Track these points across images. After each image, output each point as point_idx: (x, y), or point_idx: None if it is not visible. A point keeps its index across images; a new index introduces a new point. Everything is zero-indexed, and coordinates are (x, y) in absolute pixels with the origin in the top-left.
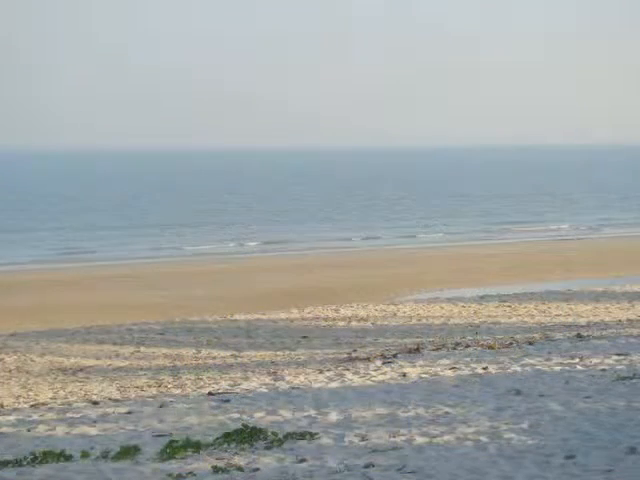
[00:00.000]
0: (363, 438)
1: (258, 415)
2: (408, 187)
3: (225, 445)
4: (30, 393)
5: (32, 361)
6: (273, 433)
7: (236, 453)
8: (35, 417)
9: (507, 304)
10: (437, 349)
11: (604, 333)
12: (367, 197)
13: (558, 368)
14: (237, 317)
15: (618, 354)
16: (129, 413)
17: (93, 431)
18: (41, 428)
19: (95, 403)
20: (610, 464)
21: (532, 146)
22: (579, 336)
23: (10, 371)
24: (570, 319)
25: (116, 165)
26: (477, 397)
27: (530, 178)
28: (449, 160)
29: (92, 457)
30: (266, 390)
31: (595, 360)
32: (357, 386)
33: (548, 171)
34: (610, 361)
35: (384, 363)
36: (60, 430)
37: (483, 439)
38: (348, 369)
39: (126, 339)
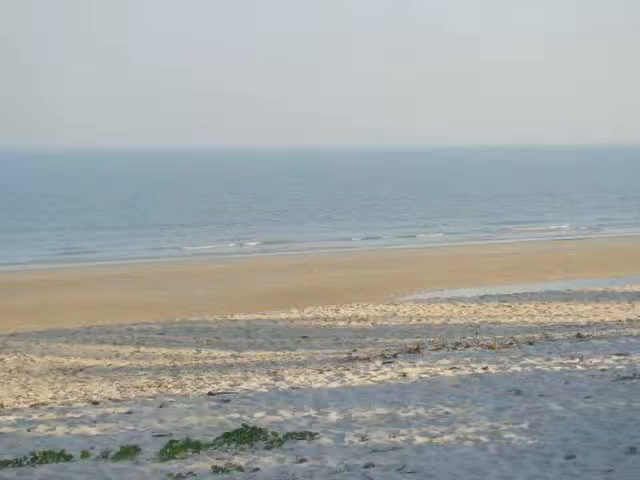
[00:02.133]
0: (363, 438)
1: (258, 415)
2: (408, 187)
3: (225, 445)
4: (30, 393)
5: (32, 361)
6: (273, 433)
7: (236, 453)
8: (35, 417)
9: (507, 304)
10: (437, 349)
11: (604, 333)
12: (367, 197)
13: (558, 368)
14: (237, 317)
15: (618, 354)
16: (129, 413)
17: (93, 431)
18: (41, 428)
19: (95, 403)
20: (610, 464)
21: (531, 146)
22: (579, 336)
23: (10, 371)
24: (570, 319)
25: (116, 165)
26: (477, 397)
27: (530, 178)
28: (449, 160)
29: (92, 457)
30: (266, 390)
31: (595, 360)
32: (357, 386)
33: (548, 171)
34: (610, 361)
35: (384, 363)
36: (60, 430)
37: (483, 439)
38: (348, 369)
39: (126, 339)
